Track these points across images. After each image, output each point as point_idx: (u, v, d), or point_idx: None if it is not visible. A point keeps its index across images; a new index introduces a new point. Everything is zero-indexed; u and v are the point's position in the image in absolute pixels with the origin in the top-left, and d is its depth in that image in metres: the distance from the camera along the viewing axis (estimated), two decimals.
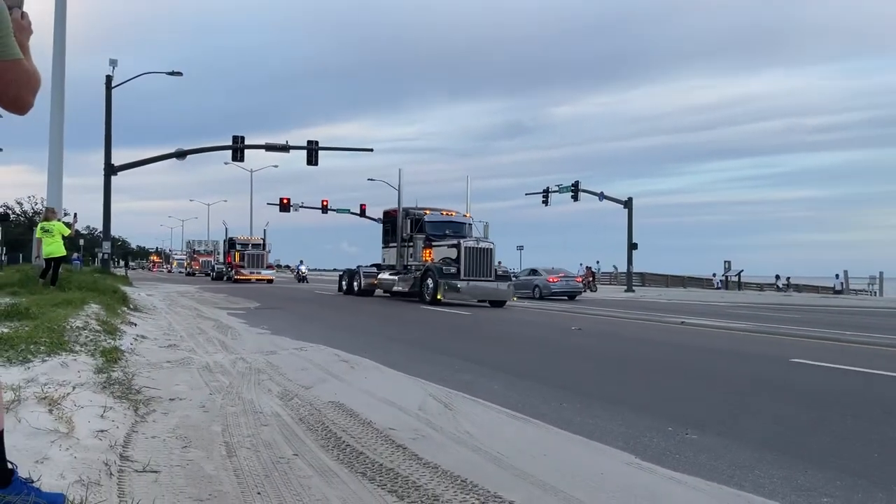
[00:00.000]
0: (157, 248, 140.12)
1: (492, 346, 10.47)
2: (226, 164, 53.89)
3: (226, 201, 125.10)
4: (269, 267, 46.48)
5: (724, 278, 51.63)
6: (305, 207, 53.87)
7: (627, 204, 42.17)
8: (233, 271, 45.39)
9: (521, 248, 59.17)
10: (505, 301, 21.47)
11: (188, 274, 70.13)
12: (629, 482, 3.55)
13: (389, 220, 25.73)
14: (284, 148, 35.77)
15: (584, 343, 11.29)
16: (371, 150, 39.41)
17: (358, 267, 26.91)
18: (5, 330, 6.74)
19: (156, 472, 3.33)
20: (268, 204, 61.16)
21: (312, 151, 35.79)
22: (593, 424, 4.93)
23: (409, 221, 23.72)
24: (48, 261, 15.28)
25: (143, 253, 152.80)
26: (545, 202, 44.93)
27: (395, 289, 23.76)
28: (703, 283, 54.93)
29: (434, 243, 22.75)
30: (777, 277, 52.72)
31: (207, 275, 60.10)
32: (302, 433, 4.29)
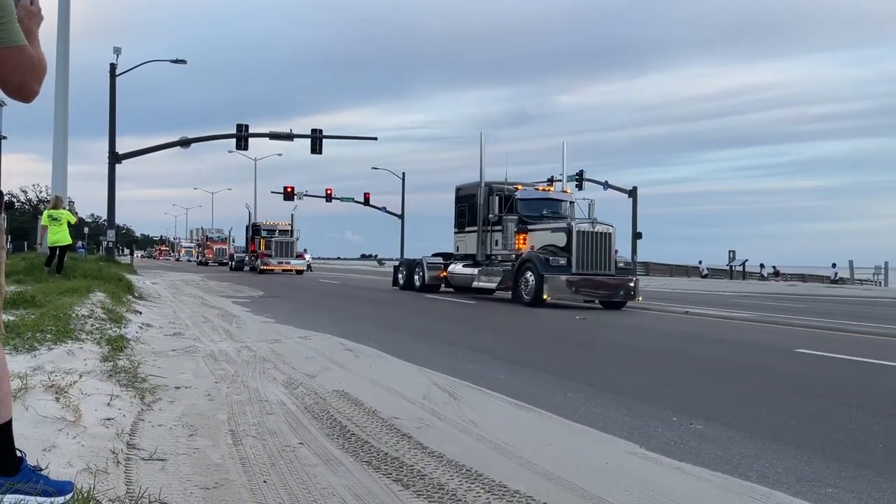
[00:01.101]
0: (161, 236, 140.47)
1: (495, 335, 10.48)
2: (230, 152, 53.25)
3: (230, 189, 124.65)
4: (300, 256, 41.10)
5: (729, 267, 51.55)
6: (310, 196, 54.03)
7: (632, 193, 42.13)
8: (258, 261, 40.01)
9: None
10: (625, 302, 16.26)
11: (200, 263, 65.07)
12: (634, 471, 3.56)
13: (466, 198, 20.18)
14: (288, 136, 35.81)
15: (589, 333, 11.29)
16: (375, 138, 39.57)
17: (421, 257, 21.81)
18: (11, 318, 6.77)
19: (162, 460, 3.35)
20: (272, 192, 60.48)
21: (316, 140, 35.81)
22: (598, 414, 4.94)
23: (495, 200, 18.37)
24: (53, 248, 15.32)
25: (147, 241, 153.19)
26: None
27: (476, 284, 18.74)
28: (686, 270, 54.87)
29: (531, 227, 17.69)
30: (762, 266, 52.57)
31: (224, 264, 56.03)
32: (307, 422, 4.31)
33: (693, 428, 4.62)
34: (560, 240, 16.54)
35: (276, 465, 3.41)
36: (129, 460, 3.27)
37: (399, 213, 60.64)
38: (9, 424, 2.35)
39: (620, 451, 3.98)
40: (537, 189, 19.55)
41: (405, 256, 24.78)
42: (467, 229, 19.95)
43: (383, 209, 59.72)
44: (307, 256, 45.69)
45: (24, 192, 79.19)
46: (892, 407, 5.57)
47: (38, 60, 2.17)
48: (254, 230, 43.13)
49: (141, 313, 10.53)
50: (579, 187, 42.63)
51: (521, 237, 17.63)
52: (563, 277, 15.67)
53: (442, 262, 20.95)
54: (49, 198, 20.59)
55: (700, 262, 53.77)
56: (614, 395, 5.69)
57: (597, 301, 16.51)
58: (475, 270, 18.85)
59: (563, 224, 16.98)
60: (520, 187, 18.68)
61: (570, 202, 19.03)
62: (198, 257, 70.00)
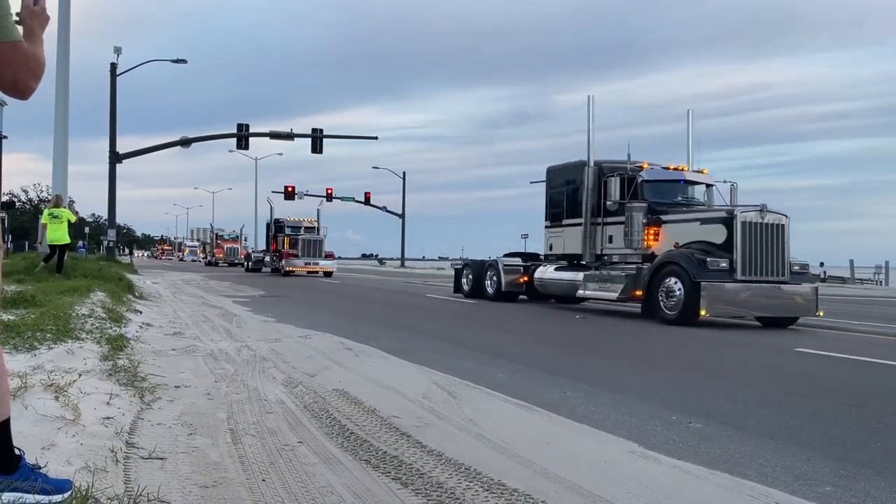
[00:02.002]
0: (162, 235, 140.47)
1: (492, 334, 10.48)
2: (230, 151, 53.17)
3: (230, 189, 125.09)
4: (328, 256, 35.53)
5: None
6: (310, 195, 53.92)
7: None
8: (281, 261, 35.39)
9: (525, 236, 59.08)
10: (797, 318, 12.44)
11: (209, 263, 59.54)
12: (633, 470, 3.56)
13: (564, 182, 15.83)
14: (289, 136, 35.78)
15: (588, 332, 11.29)
16: (376, 137, 39.43)
17: (495, 258, 17.74)
18: (12, 317, 6.78)
19: (162, 458, 3.35)
20: (272, 192, 60.06)
21: (317, 139, 35.79)
22: (597, 413, 4.94)
23: (614, 183, 13.95)
24: (52, 247, 15.32)
25: (148, 241, 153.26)
26: None
27: (583, 293, 14.50)
28: None
29: (667, 217, 13.45)
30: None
31: (235, 264, 52.41)
32: (306, 421, 4.31)
33: (692, 427, 4.62)
34: (715, 234, 12.39)
35: (276, 463, 3.41)
36: (128, 459, 3.27)
37: (400, 212, 60.65)
38: (7, 423, 2.36)
39: (619, 449, 3.99)
40: (668, 168, 14.69)
41: (464, 257, 21.55)
42: (566, 222, 15.61)
43: (384, 209, 59.72)
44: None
45: (25, 191, 79.28)
46: (892, 406, 5.57)
47: (34, 58, 2.16)
48: (276, 227, 38.35)
49: (141, 313, 10.54)
50: None
51: (652, 231, 13.42)
52: (728, 285, 11.72)
53: (521, 263, 17.16)
54: (50, 197, 20.60)
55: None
56: (613, 393, 5.70)
57: (753, 316, 12.54)
58: (578, 275, 14.68)
59: (718, 213, 12.84)
60: (645, 165, 14.29)
61: (708, 185, 14.75)
62: (206, 257, 65.36)
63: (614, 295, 13.55)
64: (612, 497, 3.12)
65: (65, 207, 16.33)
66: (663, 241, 13.23)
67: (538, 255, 17.48)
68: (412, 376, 6.06)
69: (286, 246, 36.09)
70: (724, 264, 11.80)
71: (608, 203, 14.14)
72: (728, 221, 12.22)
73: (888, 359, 8.17)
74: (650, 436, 4.33)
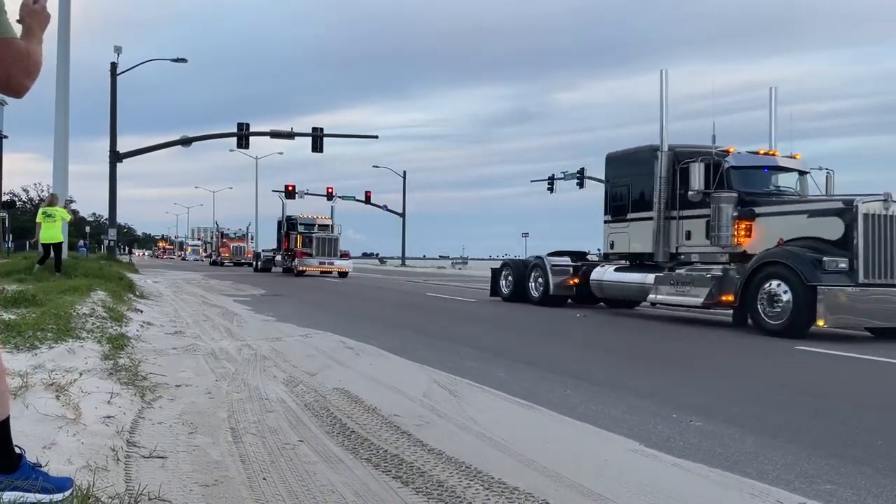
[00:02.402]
0: (163, 235, 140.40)
1: (494, 333, 10.48)
2: (231, 151, 52.97)
3: (231, 188, 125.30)
4: (344, 255, 33.29)
5: None
6: (311, 195, 53.86)
7: None
8: (294, 261, 33.52)
9: (526, 235, 59.09)
10: None
11: (214, 263, 55.68)
12: (633, 468, 3.56)
13: (629, 171, 14.19)
14: (289, 135, 35.73)
15: (588, 330, 11.29)
16: (376, 136, 39.35)
17: (540, 257, 16.08)
18: (12, 317, 6.79)
19: (162, 457, 3.35)
20: (273, 191, 59.95)
21: (317, 138, 35.74)
22: (598, 411, 4.94)
23: (696, 169, 12.07)
24: (47, 246, 15.26)
25: (149, 240, 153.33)
26: (550, 189, 44.86)
27: (654, 297, 12.89)
28: None
29: (762, 210, 11.66)
30: None
31: (241, 263, 50.18)
32: (307, 419, 4.31)
33: (693, 425, 4.62)
34: (828, 229, 10.54)
35: (276, 462, 3.41)
36: (128, 458, 3.28)
37: (400, 211, 60.66)
38: (6, 422, 2.36)
39: (620, 448, 3.99)
40: (758, 153, 12.77)
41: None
42: (631, 216, 13.91)
43: (384, 207, 59.73)
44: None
45: (26, 191, 79.19)
46: (892, 404, 5.57)
47: (29, 55, 2.15)
48: (288, 224, 35.83)
49: (142, 312, 10.54)
50: (580, 185, 42.54)
51: (744, 225, 11.63)
52: (849, 290, 9.93)
53: (570, 263, 15.53)
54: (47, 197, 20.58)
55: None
56: (614, 391, 5.70)
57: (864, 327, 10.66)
58: (647, 277, 12.97)
59: (832, 203, 10.90)
60: (731, 150, 12.47)
61: (802, 172, 12.90)
62: (211, 256, 61.29)
63: (698, 300, 11.77)
64: (612, 495, 3.12)
65: (60, 206, 16.29)
66: (757, 236, 11.52)
67: (585, 253, 16.32)
68: (413, 375, 6.06)
69: (299, 244, 33.59)
70: (843, 265, 9.98)
71: (690, 193, 12.17)
72: (846, 213, 10.31)
73: (889, 357, 8.17)
74: (651, 434, 4.33)
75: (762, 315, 10.54)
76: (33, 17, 2.24)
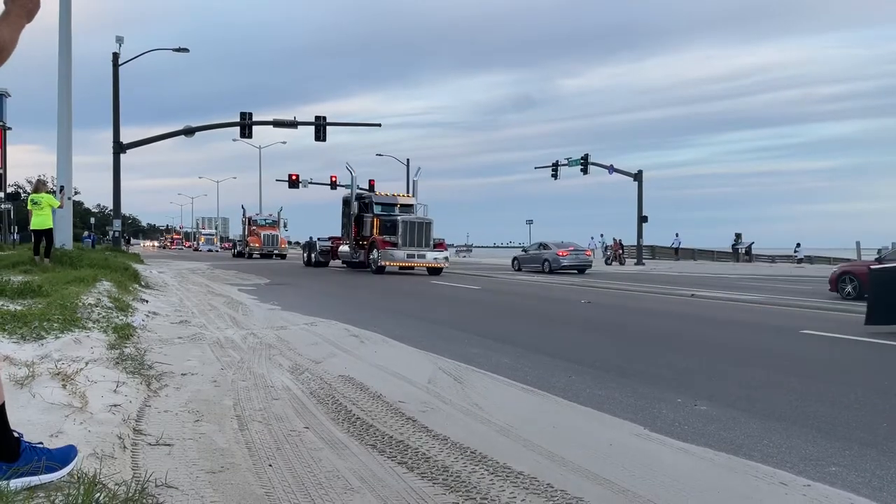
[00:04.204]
0: (167, 225, 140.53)
1: (500, 319, 10.48)
2: (234, 140, 52.99)
3: (235, 178, 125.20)
4: (438, 245, 24.54)
5: (735, 250, 51.44)
6: (314, 184, 53.79)
7: (637, 177, 41.88)
8: (371, 252, 24.25)
9: (530, 222, 58.98)
10: None
11: (239, 254, 47.22)
12: (638, 452, 3.57)
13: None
14: (292, 124, 35.67)
15: (594, 316, 11.29)
16: (379, 125, 39.27)
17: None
18: (19, 307, 6.81)
19: (169, 445, 3.37)
20: (276, 180, 59.44)
21: (320, 127, 35.67)
22: (602, 396, 4.94)
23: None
24: (38, 233, 15.21)
25: (154, 230, 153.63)
26: (554, 176, 44.63)
27: None
28: (713, 255, 54.73)
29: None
30: (738, 239, 52.44)
31: (270, 255, 43.76)
32: (312, 406, 4.33)
33: (697, 409, 4.62)
34: None
35: (282, 449, 3.43)
36: (135, 445, 3.30)
37: None
38: (2, 408, 2.35)
39: (625, 432, 4.00)
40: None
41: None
42: None
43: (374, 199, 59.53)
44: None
45: (30, 182, 79.41)
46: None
47: None
48: (360, 204, 26.71)
49: (147, 302, 10.57)
50: (584, 171, 42.36)
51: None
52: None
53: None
54: (55, 188, 20.60)
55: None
56: (619, 377, 5.70)
57: None
58: None
59: None
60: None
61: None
62: (235, 247, 52.98)
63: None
64: (617, 479, 3.13)
65: (47, 192, 16.21)
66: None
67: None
68: (418, 362, 6.07)
69: (376, 230, 24.83)
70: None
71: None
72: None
73: (893, 340, 8.15)
74: (655, 419, 4.34)
75: None
76: (15, 1, 2.19)
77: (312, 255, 30.42)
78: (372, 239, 24.66)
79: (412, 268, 24.06)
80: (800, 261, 49.41)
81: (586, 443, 3.73)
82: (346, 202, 27.97)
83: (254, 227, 47.54)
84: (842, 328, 9.26)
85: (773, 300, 14.40)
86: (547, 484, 3.02)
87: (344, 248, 27.36)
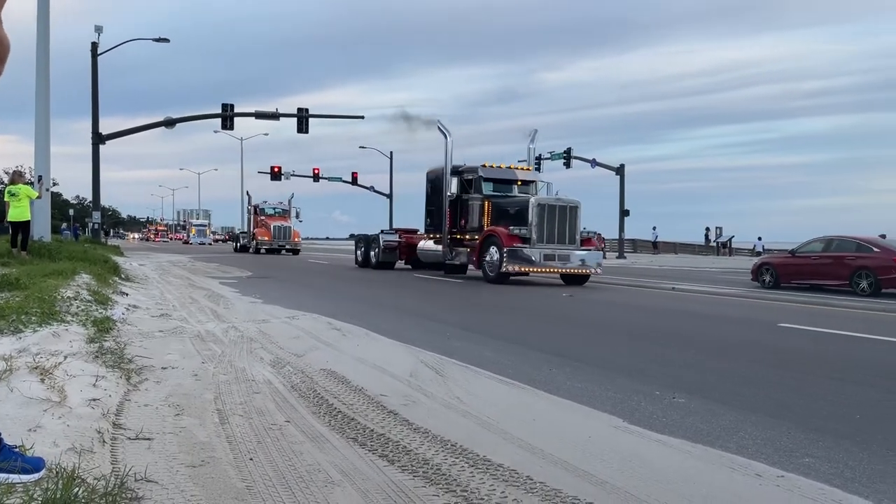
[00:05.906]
0: (148, 217, 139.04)
1: (482, 313, 10.52)
2: (216, 132, 52.52)
3: (216, 170, 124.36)
4: (586, 241, 16.60)
5: (715, 244, 51.88)
6: (297, 176, 53.53)
7: (619, 170, 42.12)
8: (491, 252, 16.26)
9: None
10: None
11: (242, 248, 41.67)
12: (616, 444, 3.61)
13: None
14: (274, 116, 35.43)
15: (575, 309, 11.36)
16: (362, 117, 39.10)
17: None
18: None
19: (149, 439, 3.36)
20: (259, 172, 58.96)
21: (303, 119, 35.47)
22: (582, 389, 4.99)
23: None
24: (15, 225, 15.03)
25: (134, 222, 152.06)
26: (538, 169, 44.71)
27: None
28: (694, 249, 55.20)
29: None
30: (707, 233, 53.17)
31: (278, 250, 37.28)
32: (294, 400, 4.33)
33: (675, 402, 4.68)
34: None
35: (263, 442, 3.43)
36: (114, 440, 3.28)
37: (387, 192, 60.45)
38: None
39: (604, 424, 4.04)
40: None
41: None
42: None
43: (371, 188, 59.47)
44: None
45: (7, 173, 78.29)
46: (873, 378, 5.67)
47: None
48: (463, 182, 18.21)
49: (127, 295, 10.48)
50: (567, 165, 42.50)
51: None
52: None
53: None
54: (32, 179, 20.34)
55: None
56: (598, 370, 5.75)
57: None
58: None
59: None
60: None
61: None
62: (239, 240, 44.97)
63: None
64: (596, 471, 3.17)
65: (24, 184, 16.04)
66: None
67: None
68: (399, 355, 6.08)
69: (487, 220, 17.45)
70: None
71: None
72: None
73: (871, 333, 8.29)
74: (634, 411, 4.39)
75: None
76: None
77: (372, 253, 22.30)
78: (488, 232, 16.71)
79: (564, 275, 16.49)
80: (758, 253, 49.99)
81: (566, 435, 3.76)
82: (435, 179, 19.21)
83: (262, 218, 40.40)
84: (819, 322, 9.41)
85: (751, 294, 14.56)
86: (526, 476, 3.05)
87: (428, 244, 19.71)
